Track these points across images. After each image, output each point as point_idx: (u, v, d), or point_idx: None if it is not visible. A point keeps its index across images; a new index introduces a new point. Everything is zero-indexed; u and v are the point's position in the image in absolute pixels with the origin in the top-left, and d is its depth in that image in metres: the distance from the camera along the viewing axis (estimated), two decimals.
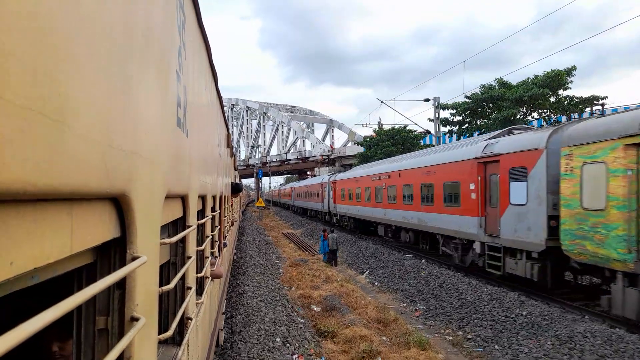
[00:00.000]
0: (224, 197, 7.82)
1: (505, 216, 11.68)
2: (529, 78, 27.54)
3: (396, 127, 39.98)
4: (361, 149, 46.41)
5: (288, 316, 9.80)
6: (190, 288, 2.92)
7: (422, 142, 40.17)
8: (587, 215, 9.03)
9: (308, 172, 71.70)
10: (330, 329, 9.29)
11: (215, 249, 5.37)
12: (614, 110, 16.92)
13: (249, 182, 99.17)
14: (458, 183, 14.20)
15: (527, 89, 26.31)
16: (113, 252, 1.36)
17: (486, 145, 12.92)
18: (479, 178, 12.93)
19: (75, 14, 0.93)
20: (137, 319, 1.39)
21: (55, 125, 0.85)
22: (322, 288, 12.95)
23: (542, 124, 26.21)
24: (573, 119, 23.36)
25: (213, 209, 5.21)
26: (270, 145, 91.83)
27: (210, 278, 4.63)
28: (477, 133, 28.54)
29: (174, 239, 2.30)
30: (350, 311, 10.71)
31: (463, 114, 30.61)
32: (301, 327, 9.24)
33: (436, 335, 10.04)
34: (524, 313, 9.78)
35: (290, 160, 78.40)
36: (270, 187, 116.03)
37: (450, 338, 9.75)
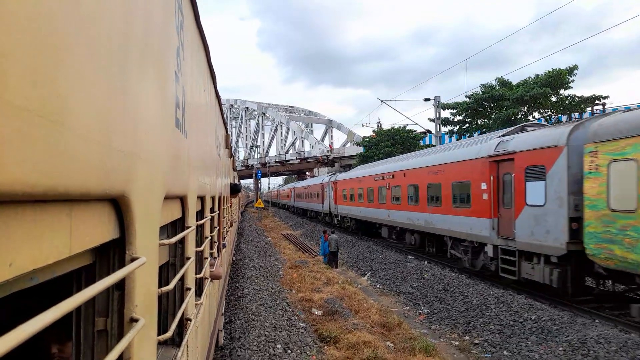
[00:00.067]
0: (223, 197, 7.82)
1: (520, 218, 11.06)
2: (530, 77, 27.43)
3: (396, 127, 39.99)
4: (360, 149, 46.44)
5: (289, 321, 9.60)
6: (189, 289, 2.91)
7: (421, 143, 40.23)
8: (615, 217, 8.46)
9: (307, 173, 71.73)
10: (332, 334, 9.03)
11: (215, 250, 5.37)
12: (614, 110, 16.83)
13: (248, 182, 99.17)
14: (468, 183, 13.56)
15: (528, 88, 26.18)
16: (112, 253, 1.36)
17: (499, 143, 12.25)
18: (492, 177, 12.30)
19: (73, 15, 0.93)
20: (136, 320, 1.39)
21: (54, 126, 0.85)
22: (323, 291, 12.79)
23: (542, 122, 26.18)
24: (574, 119, 23.40)
25: (212, 210, 5.20)
26: (269, 145, 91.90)
27: (210, 279, 4.62)
28: (477, 133, 28.50)
29: (173, 239, 2.30)
30: (353, 315, 10.49)
31: (463, 114, 30.46)
32: (302, 333, 9.02)
33: (442, 340, 9.76)
34: (532, 317, 9.47)
35: (289, 160, 78.41)
36: (269, 187, 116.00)
37: (457, 343, 9.47)
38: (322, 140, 79.56)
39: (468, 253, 14.09)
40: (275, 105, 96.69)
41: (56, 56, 0.85)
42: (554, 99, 27.06)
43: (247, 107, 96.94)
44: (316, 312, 10.87)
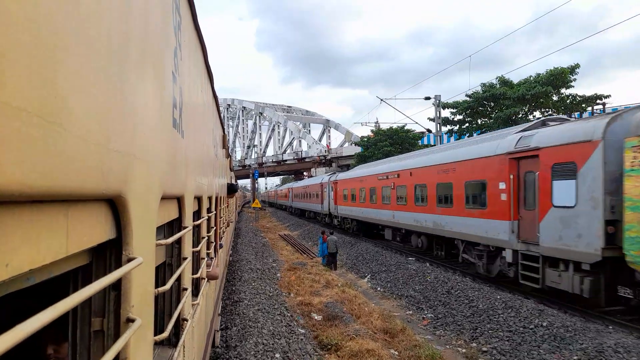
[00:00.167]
0: (220, 198, 7.81)
1: (546, 220, 10.12)
2: (531, 76, 27.36)
3: (394, 126, 40.00)
4: (358, 149, 46.42)
5: (287, 327, 9.27)
6: (186, 289, 2.92)
7: (420, 142, 40.28)
8: None
9: (304, 173, 71.72)
10: (333, 341, 8.63)
11: (211, 250, 5.36)
12: (614, 110, 16.64)
13: (245, 182, 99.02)
14: (484, 182, 12.63)
15: (529, 87, 26.10)
16: (109, 254, 1.36)
17: (520, 138, 11.29)
18: (511, 176, 11.38)
19: (71, 16, 0.93)
20: (132, 320, 1.39)
21: (52, 127, 0.85)
22: (323, 294, 12.47)
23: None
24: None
25: (209, 210, 5.20)
26: (267, 145, 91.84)
27: (206, 279, 4.62)
28: (477, 133, 28.50)
29: (170, 240, 2.30)
30: (354, 320, 10.14)
31: (463, 113, 30.36)
32: (302, 340, 8.68)
33: (448, 347, 9.34)
34: (544, 324, 9.00)
35: (286, 160, 78.37)
36: (266, 187, 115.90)
37: (464, 350, 9.03)
38: (320, 140, 79.62)
39: (483, 258, 13.12)
40: (273, 105, 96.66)
41: (54, 57, 0.86)
42: (555, 98, 26.97)
43: (244, 107, 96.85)
44: (316, 317, 10.50)
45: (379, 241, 23.39)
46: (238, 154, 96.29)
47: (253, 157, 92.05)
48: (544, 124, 11.89)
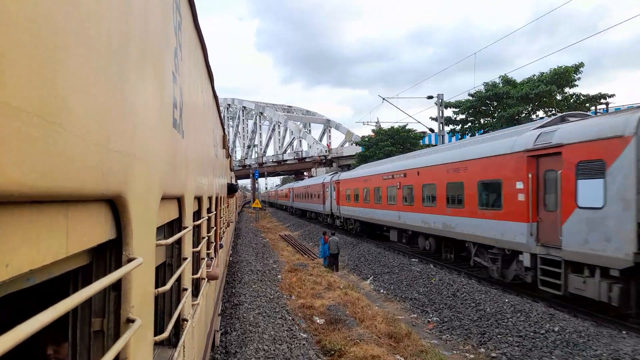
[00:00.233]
0: (220, 198, 7.81)
1: (569, 222, 9.46)
2: (534, 75, 27.21)
3: (396, 126, 39.92)
4: (359, 149, 46.34)
5: (289, 331, 9.05)
6: (186, 289, 2.92)
7: (421, 142, 40.24)
8: None
9: (305, 173, 71.71)
10: (336, 346, 8.32)
11: (211, 250, 5.36)
12: (617, 109, 16.52)
13: (245, 182, 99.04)
14: (499, 181, 12.00)
15: (533, 86, 25.95)
16: (109, 254, 1.36)
17: (540, 135, 10.62)
18: (530, 175, 10.70)
19: (71, 16, 0.93)
20: (132, 321, 1.39)
21: (52, 127, 0.85)
22: (325, 296, 12.24)
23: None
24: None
25: (209, 210, 5.20)
26: (267, 145, 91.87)
27: (206, 279, 4.62)
28: (479, 132, 28.40)
29: (170, 240, 2.30)
30: (357, 324, 9.89)
31: (466, 113, 30.18)
32: (304, 345, 8.46)
33: (455, 352, 9.07)
34: (555, 329, 8.70)
35: (287, 160, 78.38)
36: (266, 187, 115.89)
37: (472, 356, 8.76)
38: (320, 140, 79.66)
39: (497, 261, 12.39)
40: (273, 104, 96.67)
41: (54, 57, 0.86)
42: (558, 97, 26.81)
43: (244, 107, 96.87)
44: (318, 321, 10.24)
45: (381, 242, 23.07)
46: (238, 154, 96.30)
47: (253, 157, 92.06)
48: (563, 119, 11.25)
